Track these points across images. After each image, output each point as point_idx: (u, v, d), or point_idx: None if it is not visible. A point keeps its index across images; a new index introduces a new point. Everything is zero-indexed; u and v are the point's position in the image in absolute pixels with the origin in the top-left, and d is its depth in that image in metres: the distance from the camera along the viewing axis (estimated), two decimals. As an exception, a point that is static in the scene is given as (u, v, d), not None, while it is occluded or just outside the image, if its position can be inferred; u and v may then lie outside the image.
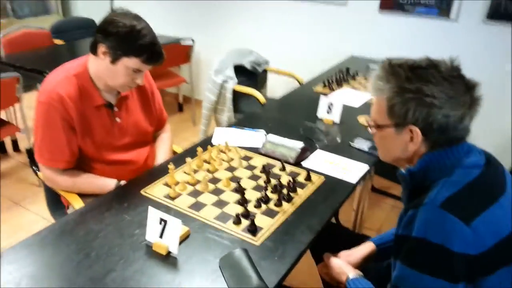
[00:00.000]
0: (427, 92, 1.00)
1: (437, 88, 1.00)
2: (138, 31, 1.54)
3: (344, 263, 1.37)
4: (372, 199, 2.98)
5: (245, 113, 3.11)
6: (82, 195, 1.69)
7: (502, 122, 3.13)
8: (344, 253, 1.45)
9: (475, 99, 1.03)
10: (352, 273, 1.30)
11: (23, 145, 3.54)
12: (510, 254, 0.98)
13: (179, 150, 2.03)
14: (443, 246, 0.93)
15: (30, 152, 1.81)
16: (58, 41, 4.04)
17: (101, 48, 1.56)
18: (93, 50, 1.60)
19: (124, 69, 1.57)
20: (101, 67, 1.60)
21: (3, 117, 3.27)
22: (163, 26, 4.34)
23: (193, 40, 4.07)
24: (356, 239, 1.55)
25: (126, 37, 1.53)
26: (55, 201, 1.88)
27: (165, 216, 1.23)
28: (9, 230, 2.62)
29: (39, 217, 2.74)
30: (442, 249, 0.93)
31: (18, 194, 3.00)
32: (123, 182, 1.66)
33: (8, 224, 2.69)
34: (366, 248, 1.46)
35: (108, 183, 1.68)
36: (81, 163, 1.72)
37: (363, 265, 1.42)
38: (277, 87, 3.75)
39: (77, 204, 1.63)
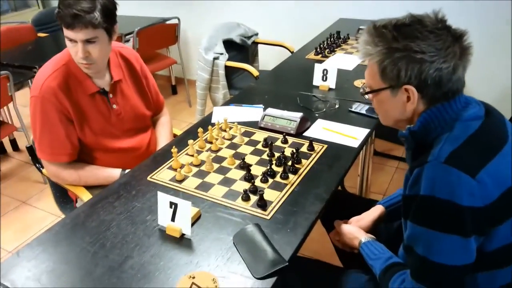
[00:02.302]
0: (415, 48, 1.00)
1: (424, 43, 0.99)
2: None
3: (356, 228, 1.39)
4: (376, 163, 3.00)
5: (240, 89, 3.09)
6: (89, 187, 1.70)
7: (500, 73, 3.13)
8: (354, 219, 1.47)
9: (464, 48, 1.02)
10: (364, 237, 1.32)
11: (22, 143, 3.53)
12: (517, 203, 1.00)
13: (179, 132, 2.03)
14: (451, 201, 0.94)
15: (31, 150, 1.81)
16: (42, 34, 3.97)
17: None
18: None
19: (67, 41, 1.55)
20: None
21: (-2, 117, 3.26)
22: (147, 8, 4.28)
23: (178, 19, 4.00)
24: (364, 204, 1.57)
25: (58, 7, 1.52)
26: (62, 196, 1.90)
27: (175, 199, 1.24)
28: (21, 229, 2.65)
29: (47, 213, 2.76)
30: (451, 204, 0.94)
31: (23, 192, 3.01)
32: (127, 171, 1.67)
33: (19, 223, 2.72)
34: (375, 212, 1.48)
35: (113, 173, 1.69)
36: (83, 155, 1.73)
37: (373, 229, 1.45)
38: (268, 58, 3.72)
39: (85, 196, 1.64)
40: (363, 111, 1.88)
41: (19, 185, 3.11)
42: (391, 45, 1.03)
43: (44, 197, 2.91)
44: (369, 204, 1.55)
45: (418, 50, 0.99)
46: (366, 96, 1.17)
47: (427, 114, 1.06)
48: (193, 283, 1.09)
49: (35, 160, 1.82)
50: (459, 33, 1.03)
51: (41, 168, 1.82)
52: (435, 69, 1.00)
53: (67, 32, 1.52)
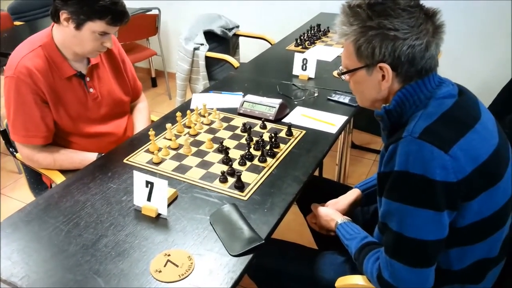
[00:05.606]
0: (389, 25, 1.01)
1: (397, 20, 1.01)
2: None
3: (332, 210, 1.40)
4: (353, 155, 3.02)
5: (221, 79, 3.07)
6: (64, 172, 1.67)
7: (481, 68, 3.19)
8: (331, 202, 1.48)
9: (437, 26, 1.04)
10: (340, 218, 1.33)
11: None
12: (488, 179, 1.01)
13: (157, 119, 2.01)
14: (424, 175, 0.95)
15: (4, 133, 1.77)
16: (18, 22, 3.88)
17: (63, 14, 1.50)
18: (55, 18, 1.54)
19: (90, 34, 1.52)
20: (67, 35, 1.55)
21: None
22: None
23: (159, 10, 3.95)
24: (341, 189, 1.57)
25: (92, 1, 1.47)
26: (37, 182, 1.85)
27: (151, 178, 1.23)
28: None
29: (22, 203, 2.67)
30: (423, 179, 0.95)
31: (-3, 182, 2.94)
32: (104, 155, 1.64)
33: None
34: (352, 195, 1.49)
35: (89, 157, 1.65)
36: (59, 139, 1.69)
37: (350, 212, 1.46)
38: (249, 51, 3.70)
39: (59, 180, 1.60)
40: (342, 100, 1.90)
41: (-7, 175, 3.04)
42: (365, 24, 1.03)
43: (19, 186, 2.84)
44: (346, 189, 1.56)
45: (392, 28, 1.00)
46: (343, 77, 1.18)
47: (402, 92, 1.07)
48: (168, 260, 1.08)
49: (9, 144, 1.78)
50: (432, 11, 1.04)
51: (15, 153, 1.77)
52: (408, 46, 1.01)
53: (105, 27, 1.53)
